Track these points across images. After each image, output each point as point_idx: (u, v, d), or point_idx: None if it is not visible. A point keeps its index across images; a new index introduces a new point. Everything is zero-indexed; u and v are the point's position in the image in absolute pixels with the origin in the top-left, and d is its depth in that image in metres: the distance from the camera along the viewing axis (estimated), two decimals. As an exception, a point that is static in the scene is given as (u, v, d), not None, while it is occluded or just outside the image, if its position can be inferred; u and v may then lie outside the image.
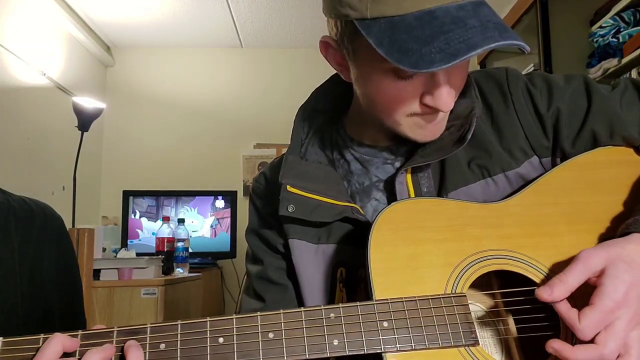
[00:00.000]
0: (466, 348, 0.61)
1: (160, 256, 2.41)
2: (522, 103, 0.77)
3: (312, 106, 0.86)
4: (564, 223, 0.70)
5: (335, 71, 0.78)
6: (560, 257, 0.67)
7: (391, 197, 0.78)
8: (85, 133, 2.84)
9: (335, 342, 0.60)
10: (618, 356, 0.57)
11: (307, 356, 0.60)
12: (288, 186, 0.77)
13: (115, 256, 2.42)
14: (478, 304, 0.71)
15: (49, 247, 0.91)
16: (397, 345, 0.61)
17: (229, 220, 3.26)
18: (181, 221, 2.71)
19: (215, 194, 3.32)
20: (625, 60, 2.16)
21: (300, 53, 3.77)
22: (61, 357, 0.57)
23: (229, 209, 3.27)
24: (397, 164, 0.80)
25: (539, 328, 0.66)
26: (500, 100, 0.78)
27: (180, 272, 2.52)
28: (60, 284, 0.93)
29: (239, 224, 3.24)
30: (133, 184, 3.45)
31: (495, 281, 0.71)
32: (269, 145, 3.73)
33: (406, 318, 0.62)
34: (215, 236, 3.25)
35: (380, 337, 0.61)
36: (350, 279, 0.76)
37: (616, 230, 0.66)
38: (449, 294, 0.64)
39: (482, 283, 0.69)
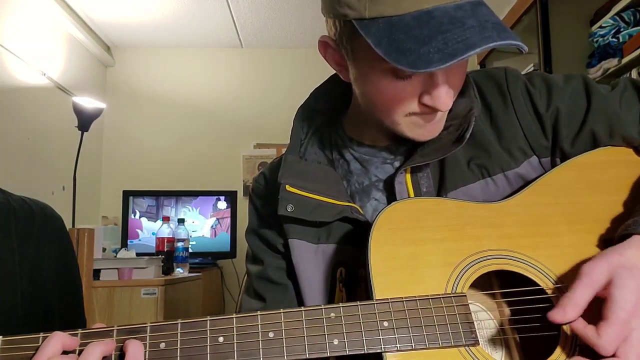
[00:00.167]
0: (466, 348, 0.61)
1: (160, 256, 2.41)
2: (521, 103, 0.77)
3: (311, 106, 0.86)
4: (564, 223, 0.70)
5: (335, 71, 0.78)
6: (560, 257, 0.67)
7: (391, 197, 0.78)
8: (85, 133, 2.84)
9: (336, 342, 0.60)
10: None
11: (307, 356, 0.60)
12: (287, 186, 0.77)
13: (115, 256, 2.42)
14: (478, 303, 0.71)
15: (49, 247, 0.91)
16: (398, 345, 0.61)
17: (229, 220, 3.26)
18: (181, 221, 2.71)
19: (215, 194, 3.32)
20: (625, 60, 2.16)
21: (300, 53, 3.77)
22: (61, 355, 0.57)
23: (229, 209, 3.27)
24: (397, 164, 0.80)
25: (539, 328, 0.66)
26: (499, 100, 0.78)
27: (180, 272, 2.52)
28: (60, 284, 0.93)
29: (239, 224, 3.24)
30: (133, 184, 3.45)
31: (495, 281, 0.71)
32: (269, 145, 3.73)
33: (406, 318, 0.62)
34: (215, 236, 3.25)
35: (381, 337, 0.61)
36: (350, 278, 0.76)
37: (616, 230, 0.66)
38: (449, 293, 0.64)
39: (482, 283, 0.69)
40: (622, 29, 2.23)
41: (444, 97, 0.67)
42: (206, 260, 3.14)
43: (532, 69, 2.77)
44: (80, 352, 0.57)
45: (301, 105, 0.86)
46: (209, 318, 0.61)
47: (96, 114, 2.86)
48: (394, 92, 0.68)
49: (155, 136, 3.71)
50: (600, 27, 2.32)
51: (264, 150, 3.74)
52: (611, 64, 2.24)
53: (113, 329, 0.59)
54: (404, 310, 0.62)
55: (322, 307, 0.62)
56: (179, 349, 0.59)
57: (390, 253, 0.66)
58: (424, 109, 0.69)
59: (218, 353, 0.59)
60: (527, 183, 0.74)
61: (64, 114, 2.96)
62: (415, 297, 0.63)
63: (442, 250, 0.67)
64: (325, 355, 0.60)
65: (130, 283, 2.15)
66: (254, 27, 3.50)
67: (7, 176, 2.51)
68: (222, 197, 3.30)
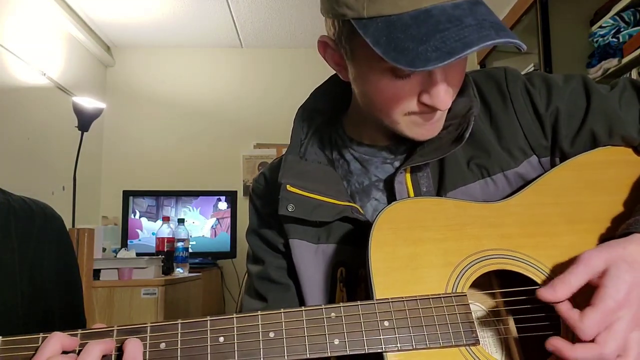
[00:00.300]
0: (467, 347, 0.61)
1: (160, 256, 2.41)
2: (521, 103, 0.77)
3: (311, 106, 0.86)
4: (564, 223, 0.70)
5: (335, 71, 0.79)
6: (560, 256, 0.67)
7: (391, 197, 0.78)
8: (85, 133, 2.84)
9: (336, 342, 0.60)
10: (618, 356, 0.57)
11: (307, 355, 0.60)
12: (288, 186, 0.77)
13: (115, 256, 2.42)
14: (478, 303, 0.71)
15: (49, 247, 0.91)
16: (398, 345, 0.61)
17: (229, 220, 3.26)
18: (181, 221, 2.71)
19: (215, 194, 3.32)
20: (625, 60, 2.17)
21: (300, 53, 3.77)
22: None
23: (229, 209, 3.27)
24: (397, 164, 0.80)
25: (539, 328, 0.66)
26: (499, 99, 0.78)
27: (180, 272, 2.51)
28: (60, 284, 0.93)
29: (239, 224, 3.24)
30: (133, 184, 3.45)
31: (495, 281, 0.71)
32: (269, 145, 3.73)
33: (407, 317, 0.62)
34: (215, 236, 3.25)
35: (381, 337, 0.61)
36: (350, 278, 0.76)
37: (616, 230, 0.66)
38: (450, 293, 0.64)
39: (483, 283, 0.69)
40: (622, 29, 2.24)
41: (443, 96, 0.67)
42: (206, 260, 3.14)
43: (532, 69, 2.77)
44: (80, 352, 0.57)
45: (301, 106, 0.86)
46: (209, 318, 0.61)
47: (96, 114, 2.86)
48: (393, 91, 0.69)
49: (155, 136, 3.71)
50: (600, 27, 2.32)
51: (264, 150, 3.74)
52: (611, 64, 2.24)
53: (113, 329, 0.59)
54: (405, 310, 0.62)
55: (323, 307, 0.62)
56: (179, 349, 0.59)
57: (390, 253, 0.66)
58: (423, 108, 0.70)
59: (218, 353, 0.59)
60: (526, 183, 0.75)
61: (64, 114, 2.96)
62: (415, 296, 0.63)
63: (442, 250, 0.67)
64: (326, 355, 0.60)
65: (130, 283, 2.15)
66: (254, 27, 3.50)
67: (7, 176, 2.51)
68: (223, 198, 3.30)
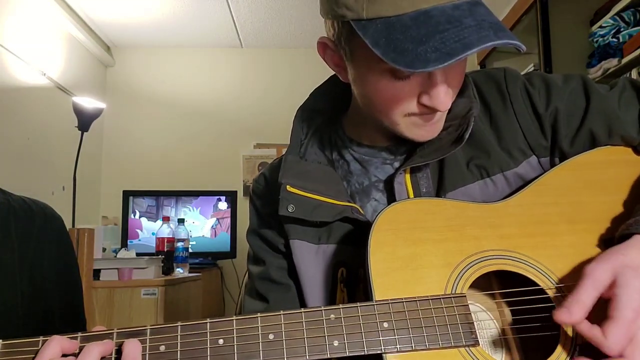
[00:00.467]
0: (466, 348, 0.61)
1: (160, 256, 2.41)
2: (520, 103, 0.77)
3: (311, 106, 0.86)
4: (564, 223, 0.70)
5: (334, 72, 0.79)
6: (560, 257, 0.67)
7: (390, 197, 0.78)
8: (85, 133, 2.84)
9: (336, 343, 0.60)
10: None
11: (307, 357, 0.60)
12: (288, 186, 0.77)
13: (115, 256, 2.42)
14: (478, 304, 0.71)
15: (49, 247, 0.91)
16: (398, 346, 0.61)
17: (229, 220, 3.26)
18: (181, 221, 2.71)
19: (215, 194, 3.32)
20: (625, 60, 2.16)
21: (300, 53, 3.77)
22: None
23: (229, 209, 3.28)
24: (396, 164, 0.80)
25: (539, 328, 0.66)
26: (498, 100, 0.78)
27: (180, 272, 2.51)
28: (60, 284, 0.93)
29: (239, 224, 3.25)
30: (133, 184, 3.45)
31: (495, 281, 0.71)
32: (269, 145, 3.73)
33: (406, 319, 0.62)
34: (215, 236, 3.25)
35: (381, 338, 0.61)
36: (351, 278, 0.76)
37: (616, 230, 0.66)
38: (449, 294, 0.64)
39: (482, 283, 0.69)
40: (622, 29, 2.23)
41: (443, 97, 0.67)
42: (206, 261, 3.14)
43: (532, 69, 2.77)
44: (79, 354, 0.57)
45: (301, 106, 0.87)
46: (208, 320, 0.61)
47: (96, 114, 2.86)
48: (392, 92, 0.68)
49: (155, 136, 3.71)
50: (600, 27, 2.32)
51: (264, 150, 3.74)
52: (611, 64, 2.24)
53: (113, 332, 0.59)
54: (404, 311, 0.62)
55: (322, 308, 0.62)
56: (179, 352, 0.59)
57: (390, 254, 0.66)
58: (423, 109, 0.69)
59: (218, 355, 0.59)
60: (526, 183, 0.75)
61: (64, 114, 2.96)
62: (415, 297, 0.63)
63: (441, 250, 0.67)
64: (325, 356, 0.60)
65: (130, 283, 2.15)
66: (253, 27, 3.50)
67: (7, 176, 2.51)
68: (223, 198, 3.30)
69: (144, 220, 3.20)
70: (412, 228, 0.68)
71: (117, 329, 0.60)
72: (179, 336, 0.60)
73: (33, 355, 0.57)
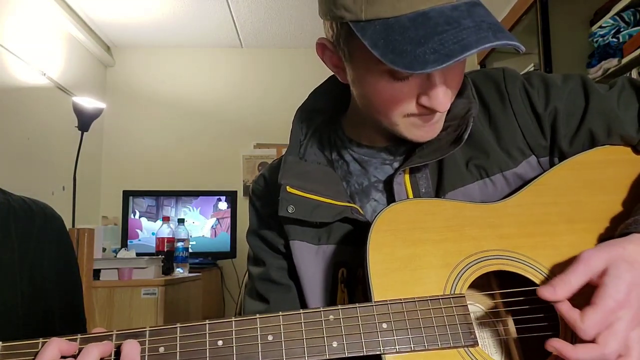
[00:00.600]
0: (465, 349, 0.61)
1: (160, 256, 2.41)
2: (519, 103, 0.77)
3: (310, 107, 0.86)
4: (563, 222, 0.70)
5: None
6: (559, 256, 0.67)
7: (390, 198, 0.78)
8: (85, 133, 2.84)
9: (335, 344, 0.60)
10: (619, 356, 0.57)
11: (306, 358, 0.60)
12: (287, 187, 0.77)
13: (115, 256, 2.42)
14: (477, 304, 0.71)
15: (49, 247, 0.91)
16: (397, 347, 0.61)
17: (229, 220, 3.26)
18: (181, 221, 2.71)
19: (215, 194, 3.32)
20: (625, 60, 2.16)
21: (300, 53, 3.77)
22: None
23: (229, 209, 3.28)
24: (396, 165, 0.80)
25: (539, 328, 0.66)
26: (497, 100, 0.78)
27: (180, 272, 2.51)
28: (60, 284, 0.93)
29: (239, 224, 3.25)
30: (133, 184, 3.45)
31: (494, 281, 0.71)
32: (269, 145, 3.73)
33: (405, 319, 0.62)
34: (215, 236, 3.25)
35: (380, 339, 0.61)
36: (351, 279, 0.76)
37: (615, 229, 0.66)
38: (448, 294, 0.64)
39: (481, 283, 0.69)
40: (622, 29, 2.23)
41: (442, 98, 0.67)
42: (206, 261, 3.14)
43: (532, 69, 2.77)
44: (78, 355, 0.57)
45: (300, 106, 0.86)
46: (207, 322, 0.61)
47: (96, 114, 2.86)
48: (391, 93, 0.68)
49: (155, 136, 3.71)
50: (600, 27, 2.32)
51: (264, 150, 3.74)
52: (611, 64, 2.24)
53: (112, 334, 0.59)
54: (403, 312, 0.62)
55: (321, 309, 0.62)
56: (178, 353, 0.59)
57: (388, 254, 0.66)
58: (422, 110, 0.69)
59: (217, 357, 0.59)
60: (525, 183, 0.74)
61: (64, 114, 2.96)
62: (414, 298, 0.63)
63: (441, 251, 0.67)
64: (324, 357, 0.60)
65: (130, 283, 2.15)
66: (253, 27, 3.50)
67: (7, 176, 2.51)
68: (223, 198, 3.30)
69: (144, 220, 3.20)
70: (411, 229, 0.68)
71: (117, 331, 0.60)
72: (178, 337, 0.60)
73: (32, 357, 0.57)
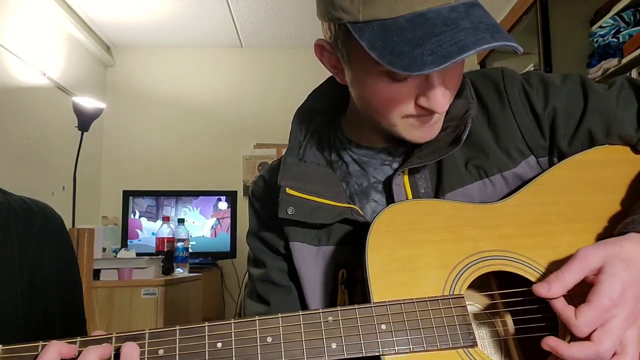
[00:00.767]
0: (464, 349, 0.61)
1: (160, 256, 2.41)
2: (518, 103, 0.77)
3: (309, 107, 0.86)
4: (562, 222, 0.70)
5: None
6: (558, 256, 0.67)
7: (389, 199, 0.78)
8: (85, 133, 2.84)
9: (334, 346, 0.60)
10: (614, 354, 0.57)
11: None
12: (287, 188, 0.77)
13: (115, 256, 2.42)
14: (476, 304, 0.71)
15: (49, 247, 0.91)
16: (396, 348, 0.61)
17: (229, 220, 3.26)
18: (181, 221, 2.71)
19: (215, 194, 3.32)
20: (625, 60, 2.16)
21: (300, 53, 3.77)
22: None
23: (229, 209, 3.28)
24: (395, 165, 0.80)
25: (538, 328, 0.66)
26: (496, 100, 0.78)
27: (180, 272, 2.51)
28: (60, 284, 0.93)
29: (239, 224, 3.25)
30: (133, 184, 3.45)
31: (493, 281, 0.71)
32: (269, 145, 3.73)
33: (404, 320, 0.62)
34: (215, 236, 3.26)
35: (379, 340, 0.61)
36: (352, 280, 0.76)
37: (614, 229, 0.66)
38: (447, 295, 0.64)
39: (481, 283, 0.69)
40: (622, 29, 2.23)
41: (440, 99, 0.67)
42: (206, 261, 3.14)
43: (532, 69, 2.77)
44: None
45: (299, 108, 0.86)
46: (207, 324, 0.60)
47: (96, 114, 2.86)
48: (389, 94, 0.68)
49: (155, 136, 3.71)
50: (600, 27, 2.32)
51: (264, 150, 3.74)
52: (611, 64, 2.24)
53: (112, 336, 0.59)
54: (402, 312, 0.62)
55: (320, 311, 0.62)
56: (177, 355, 0.59)
57: (387, 255, 0.66)
58: (421, 110, 0.69)
59: (217, 359, 0.59)
60: (524, 183, 0.74)
61: (64, 114, 2.96)
62: (413, 299, 0.63)
63: (439, 251, 0.67)
64: (323, 359, 0.60)
65: (130, 283, 2.15)
66: (253, 27, 3.50)
67: (7, 176, 2.51)
68: (223, 198, 3.30)
69: (143, 220, 3.20)
70: (410, 229, 0.68)
71: (116, 333, 0.60)
72: (177, 340, 0.60)
73: None
